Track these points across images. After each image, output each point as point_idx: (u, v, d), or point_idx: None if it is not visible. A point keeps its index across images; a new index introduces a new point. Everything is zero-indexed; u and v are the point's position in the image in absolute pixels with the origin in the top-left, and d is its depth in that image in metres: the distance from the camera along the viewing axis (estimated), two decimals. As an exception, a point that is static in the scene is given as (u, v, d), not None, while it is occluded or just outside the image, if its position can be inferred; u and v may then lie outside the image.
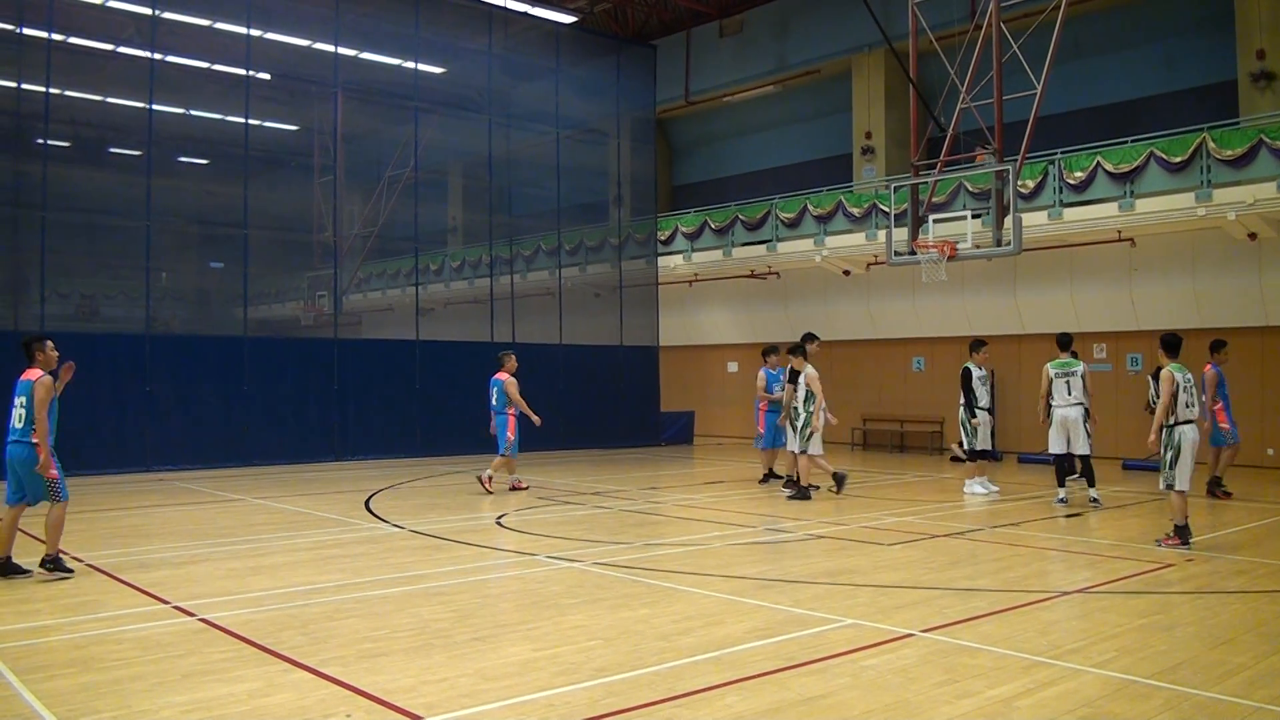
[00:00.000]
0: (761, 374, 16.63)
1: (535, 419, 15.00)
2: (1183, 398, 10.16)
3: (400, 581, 8.59)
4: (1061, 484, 13.89)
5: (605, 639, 6.64)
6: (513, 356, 15.60)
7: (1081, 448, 13.70)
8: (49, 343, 9.02)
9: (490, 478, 15.08)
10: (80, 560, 9.51)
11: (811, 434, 14.18)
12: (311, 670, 5.90)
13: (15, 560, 8.73)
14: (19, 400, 8.74)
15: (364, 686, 5.59)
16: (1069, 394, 13.68)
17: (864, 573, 8.99)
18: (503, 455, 15.27)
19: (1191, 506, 13.66)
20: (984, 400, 14.87)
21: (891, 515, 12.89)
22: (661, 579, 8.76)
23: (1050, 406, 13.78)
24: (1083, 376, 13.74)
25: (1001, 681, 5.67)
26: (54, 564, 8.74)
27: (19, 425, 8.69)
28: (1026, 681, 5.67)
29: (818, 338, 15.33)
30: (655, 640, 6.64)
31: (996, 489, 15.04)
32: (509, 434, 15.17)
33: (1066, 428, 13.67)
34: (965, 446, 15.20)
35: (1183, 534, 10.19)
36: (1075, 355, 14.33)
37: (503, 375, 15.33)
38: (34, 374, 8.75)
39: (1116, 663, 6.06)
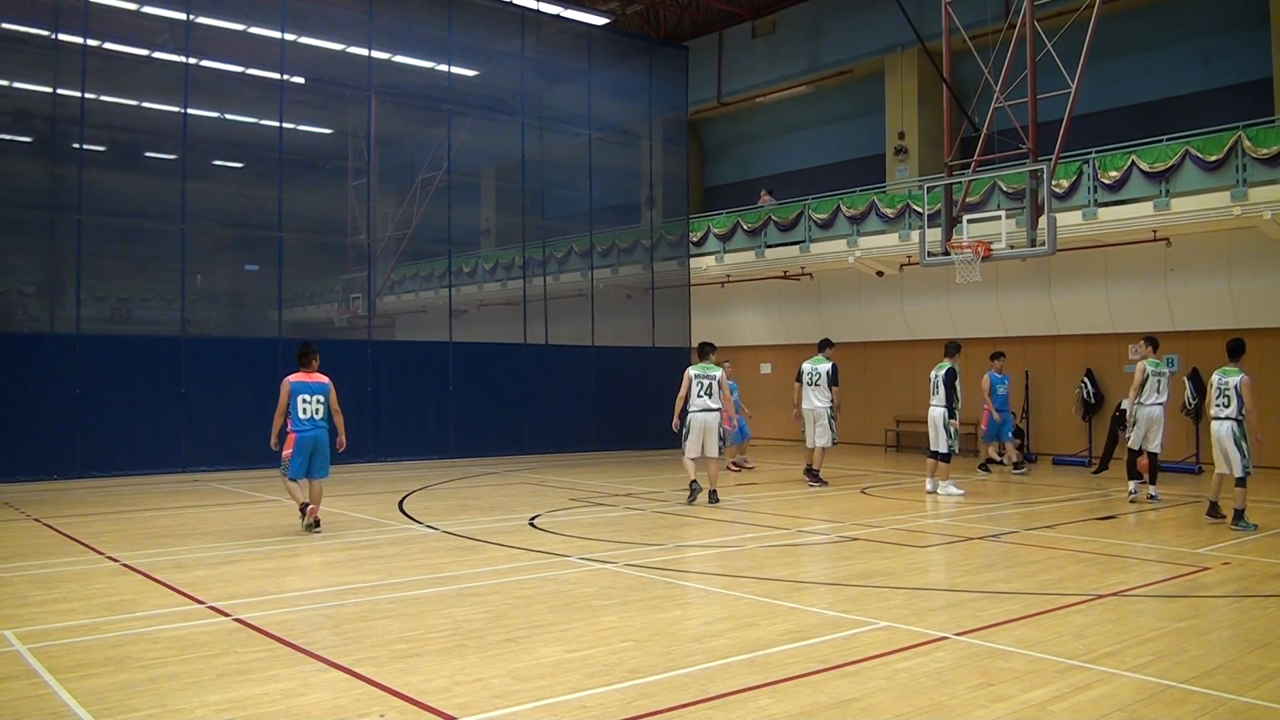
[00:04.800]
0: (987, 377, 18.72)
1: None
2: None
3: (434, 582, 8.63)
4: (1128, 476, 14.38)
5: (638, 640, 6.63)
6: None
7: (1154, 445, 14.01)
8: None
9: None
10: (116, 560, 9.63)
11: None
12: (345, 670, 5.93)
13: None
14: (316, 397, 11.49)
15: (398, 686, 5.61)
16: (1157, 393, 13.98)
17: (898, 575, 8.95)
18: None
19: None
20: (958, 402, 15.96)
21: (925, 517, 12.82)
22: (694, 581, 8.76)
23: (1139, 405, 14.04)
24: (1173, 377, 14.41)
25: (1036, 685, 5.62)
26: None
27: (319, 417, 11.42)
28: (1061, 685, 5.62)
29: (832, 343, 17.12)
30: (688, 642, 6.63)
31: (963, 492, 15.26)
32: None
33: (1150, 424, 13.97)
34: (947, 449, 15.51)
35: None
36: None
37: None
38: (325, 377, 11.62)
39: (1152, 667, 6.00)
